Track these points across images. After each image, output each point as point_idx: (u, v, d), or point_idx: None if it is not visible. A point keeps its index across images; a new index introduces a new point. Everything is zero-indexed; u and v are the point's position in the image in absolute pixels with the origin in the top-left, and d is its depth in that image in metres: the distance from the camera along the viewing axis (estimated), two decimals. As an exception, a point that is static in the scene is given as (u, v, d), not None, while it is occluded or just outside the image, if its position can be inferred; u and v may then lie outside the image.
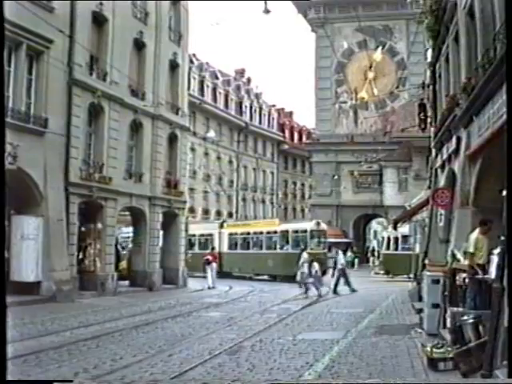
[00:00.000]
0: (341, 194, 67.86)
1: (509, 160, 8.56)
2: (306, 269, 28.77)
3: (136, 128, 31.66)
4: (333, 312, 20.96)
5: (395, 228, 40.03)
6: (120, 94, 29.53)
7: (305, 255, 29.60)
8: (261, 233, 44.58)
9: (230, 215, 74.02)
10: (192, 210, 61.51)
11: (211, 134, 60.01)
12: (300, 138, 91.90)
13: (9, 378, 7.36)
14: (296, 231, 41.73)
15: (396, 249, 42.88)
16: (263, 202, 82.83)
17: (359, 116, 67.78)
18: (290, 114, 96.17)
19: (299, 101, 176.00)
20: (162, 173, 33.45)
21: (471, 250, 12.19)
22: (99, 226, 28.49)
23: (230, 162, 74.74)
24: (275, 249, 41.86)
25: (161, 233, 33.84)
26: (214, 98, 70.96)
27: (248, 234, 46.20)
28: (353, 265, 59.85)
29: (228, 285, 34.71)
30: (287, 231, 41.95)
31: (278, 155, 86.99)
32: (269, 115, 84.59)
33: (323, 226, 43.19)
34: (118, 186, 29.24)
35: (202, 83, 68.13)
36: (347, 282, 30.67)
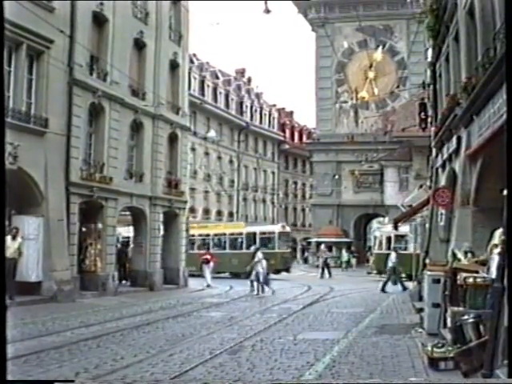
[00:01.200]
0: (341, 193, 67.91)
1: (509, 159, 8.56)
2: (260, 268, 29.46)
3: (136, 128, 31.65)
4: (333, 312, 20.93)
5: (396, 227, 40.07)
6: (120, 94, 29.53)
7: (259, 254, 30.10)
8: (223, 234, 48.10)
9: (231, 215, 74.10)
10: (193, 210, 61.65)
11: (212, 133, 60.09)
12: (300, 138, 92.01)
13: (9, 377, 7.31)
14: (264, 233, 46.87)
15: (389, 248, 42.94)
16: (264, 201, 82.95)
17: (360, 115, 67.80)
18: (291, 113, 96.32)
19: (300, 100, 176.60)
20: (162, 173, 33.44)
21: (496, 241, 12.07)
22: (100, 225, 28.46)
23: (231, 161, 74.84)
24: (241, 249, 45.19)
25: (161, 233, 33.83)
26: (215, 98, 71.06)
27: (207, 235, 49.11)
28: (350, 264, 59.74)
29: (228, 285, 34.71)
30: (254, 233, 46.43)
31: (279, 155, 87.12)
32: (269, 115, 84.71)
33: (288, 228, 49.96)
34: (118, 185, 29.24)
35: (202, 83, 68.24)
36: (400, 281, 30.71)
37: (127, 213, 33.05)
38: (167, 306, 23.85)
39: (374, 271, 45.12)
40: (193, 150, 62.64)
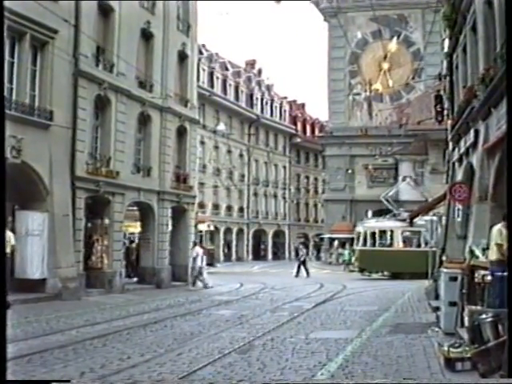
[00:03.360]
0: (355, 188, 67.70)
1: (509, 159, 8.52)
2: (199, 262, 32.10)
3: (144, 121, 31.65)
4: (346, 310, 20.91)
5: (411, 223, 39.92)
6: (127, 86, 29.50)
7: (197, 249, 32.76)
8: None
9: (241, 210, 74.18)
10: (202, 206, 61.69)
11: (221, 126, 60.02)
12: (313, 131, 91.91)
13: (10, 377, 7.30)
14: None
15: (374, 244, 42.40)
16: (275, 196, 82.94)
17: (374, 108, 67.57)
18: (303, 106, 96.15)
19: (312, 92, 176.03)
20: (170, 167, 33.45)
21: (499, 240, 12.05)
22: (106, 221, 28.48)
23: (241, 155, 74.87)
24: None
25: (169, 228, 33.85)
26: (224, 90, 71.03)
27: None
28: (351, 262, 58.70)
29: (238, 282, 34.69)
30: None
31: (290, 149, 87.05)
32: (280, 107, 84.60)
33: (212, 227, 57.80)
34: (125, 180, 29.24)
35: (211, 75, 68.22)
36: None
37: (134, 208, 33.05)
38: (175, 303, 23.89)
39: (356, 269, 43.82)
40: (202, 143, 62.67)
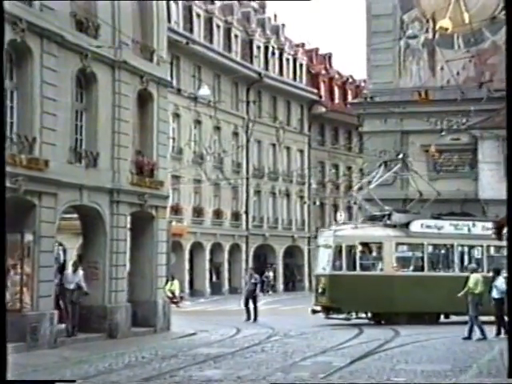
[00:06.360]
0: (409, 181, 67.57)
1: (509, 159, 8.31)
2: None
3: (86, 82, 31.45)
4: (400, 369, 20.89)
5: (499, 236, 38.66)
6: (58, 29, 29.16)
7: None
8: None
9: (236, 217, 74.06)
10: (177, 210, 61.72)
11: (205, 91, 59.82)
12: (344, 96, 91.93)
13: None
14: None
15: (354, 266, 39.57)
16: (287, 195, 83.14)
17: (438, 58, 67.25)
18: (328, 57, 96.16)
19: (341, 37, 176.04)
20: (129, 152, 33.27)
21: None
22: (29, 237, 28.18)
23: (236, 134, 75.12)
24: None
25: (128, 246, 33.68)
26: (210, 35, 71.16)
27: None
28: None
29: (234, 326, 34.53)
30: None
31: (310, 123, 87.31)
32: (294, 61, 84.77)
33: None
34: (58, 173, 28.94)
35: (189, 11, 68.23)
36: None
37: (74, 216, 32.89)
38: (138, 361, 23.80)
39: (318, 307, 40.07)
40: (176, 116, 62.90)
